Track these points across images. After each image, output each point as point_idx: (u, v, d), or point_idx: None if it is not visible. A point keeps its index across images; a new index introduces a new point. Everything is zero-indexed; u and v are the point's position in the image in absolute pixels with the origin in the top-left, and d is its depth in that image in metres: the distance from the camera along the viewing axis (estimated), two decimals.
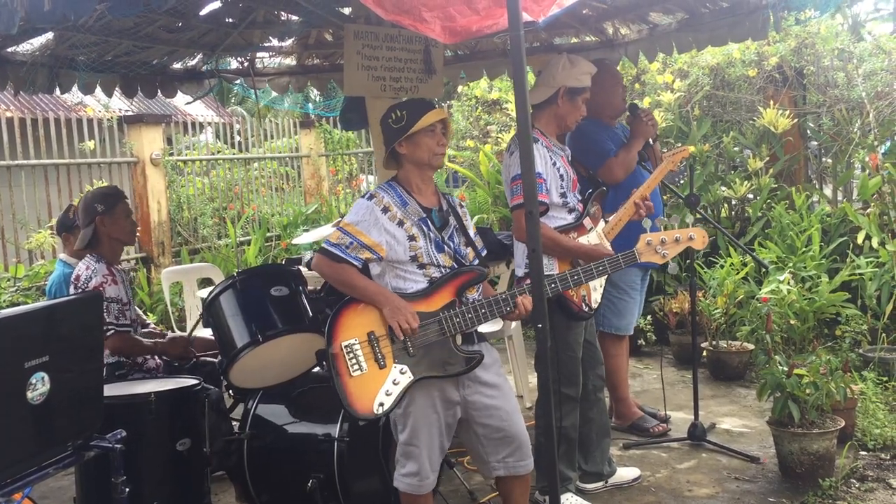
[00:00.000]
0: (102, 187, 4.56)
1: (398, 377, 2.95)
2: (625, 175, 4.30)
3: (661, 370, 5.19)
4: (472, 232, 3.21)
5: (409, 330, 2.91)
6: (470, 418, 3.10)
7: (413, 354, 2.95)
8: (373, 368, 2.95)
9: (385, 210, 3.03)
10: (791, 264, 5.73)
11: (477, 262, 3.16)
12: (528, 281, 3.09)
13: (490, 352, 3.16)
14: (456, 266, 3.07)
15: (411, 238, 3.01)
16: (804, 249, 5.88)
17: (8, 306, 6.05)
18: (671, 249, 3.35)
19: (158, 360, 4.09)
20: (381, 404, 2.93)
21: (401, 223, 3.02)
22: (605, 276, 3.79)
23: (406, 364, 2.95)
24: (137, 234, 7.59)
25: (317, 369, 3.82)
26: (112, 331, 3.79)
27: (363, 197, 3.11)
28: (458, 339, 3.02)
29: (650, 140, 4.41)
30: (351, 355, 2.94)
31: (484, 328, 5.23)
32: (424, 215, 3.07)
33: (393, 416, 3.09)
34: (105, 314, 3.76)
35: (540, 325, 2.62)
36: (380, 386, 2.93)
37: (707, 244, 3.47)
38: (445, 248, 3.06)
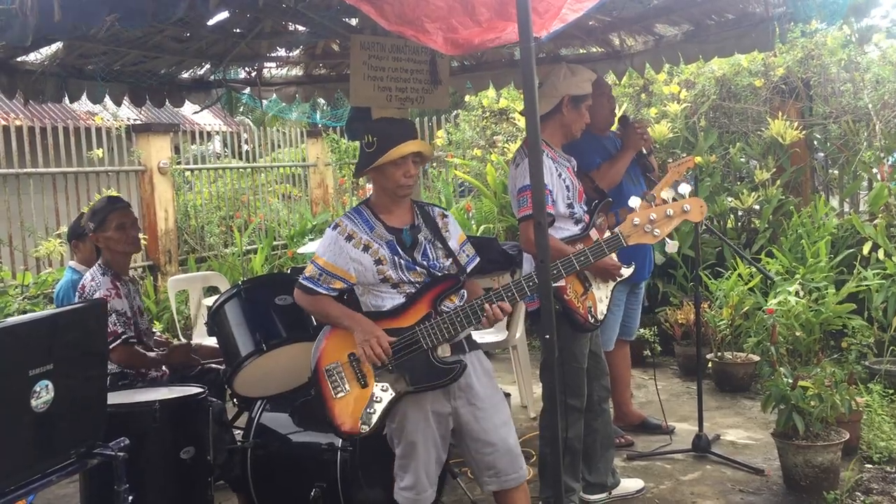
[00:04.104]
0: (95, 202, 4.60)
1: (380, 395, 2.98)
2: (608, 187, 4.26)
3: (655, 381, 5.19)
4: (455, 242, 3.17)
5: (374, 355, 2.93)
6: (460, 429, 3.10)
7: (393, 371, 2.98)
8: (355, 388, 3.00)
9: (349, 238, 3.06)
10: (800, 275, 5.72)
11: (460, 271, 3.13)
12: (498, 287, 3.06)
13: (482, 361, 3.16)
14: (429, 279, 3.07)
15: (378, 262, 3.03)
16: (814, 260, 5.86)
17: (16, 314, 6.08)
18: (663, 226, 3.06)
19: (164, 370, 4.11)
20: (366, 423, 2.98)
21: (366, 248, 3.04)
22: (611, 289, 3.80)
23: (387, 381, 2.99)
24: (144, 241, 7.67)
25: None
26: (117, 342, 3.81)
27: (329, 227, 3.16)
28: (440, 351, 3.01)
29: (644, 151, 4.41)
30: (333, 378, 3.02)
31: (487, 338, 5.28)
32: (392, 237, 3.07)
33: (389, 432, 3.12)
34: (109, 326, 3.78)
35: (548, 336, 2.61)
36: (363, 405, 2.99)
37: (705, 215, 3.13)
38: (417, 267, 3.05)
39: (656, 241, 3.11)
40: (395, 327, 3.00)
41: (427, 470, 3.07)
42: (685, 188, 3.12)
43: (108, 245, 4.01)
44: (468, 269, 3.18)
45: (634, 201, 3.16)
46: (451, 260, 3.12)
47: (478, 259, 3.25)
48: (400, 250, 3.06)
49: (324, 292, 3.06)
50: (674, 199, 3.12)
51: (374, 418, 2.97)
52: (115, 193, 7.76)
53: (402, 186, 3.06)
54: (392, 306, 3.04)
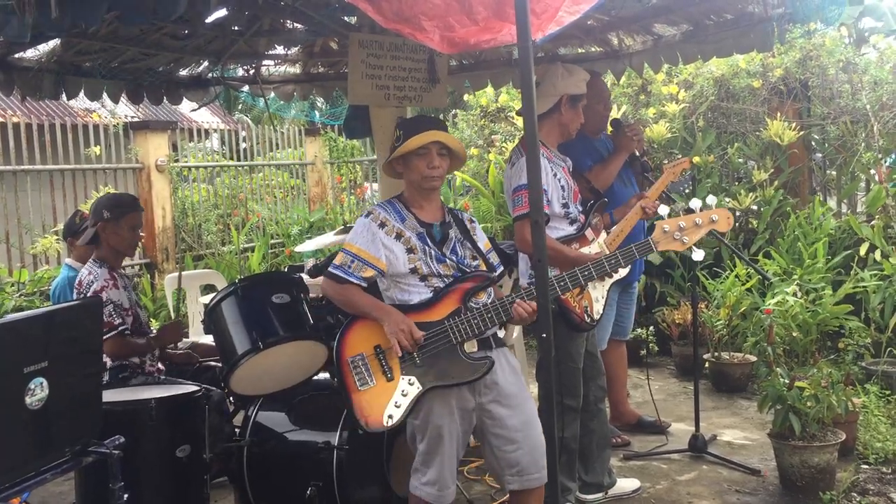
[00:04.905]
0: (119, 194, 4.58)
1: (407, 388, 2.94)
2: (600, 189, 4.24)
3: (648, 380, 5.20)
4: (483, 246, 3.19)
5: (407, 345, 2.90)
6: (484, 426, 3.07)
7: (420, 365, 2.95)
8: (381, 381, 2.96)
9: (382, 225, 3.06)
10: (797, 276, 5.73)
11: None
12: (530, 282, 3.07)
13: (509, 358, 3.14)
14: (459, 274, 3.07)
15: (409, 250, 3.02)
16: (811, 261, 5.87)
17: (12, 311, 6.07)
18: (692, 235, 3.16)
19: (160, 365, 4.10)
20: (391, 416, 2.93)
21: (398, 236, 3.04)
22: (609, 288, 3.80)
23: (414, 375, 2.95)
24: (141, 243, 7.65)
25: (317, 377, 3.83)
26: (112, 333, 3.80)
27: (362, 215, 3.15)
28: (468, 347, 3.00)
29: (636, 153, 4.42)
30: (357, 370, 2.96)
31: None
32: (423, 230, 3.08)
33: (411, 428, 3.07)
34: (104, 317, 3.77)
35: (544, 335, 2.59)
36: (389, 398, 2.94)
37: (731, 226, 3.26)
38: (447, 260, 3.06)
39: (684, 248, 3.18)
40: (423, 321, 2.97)
41: (450, 466, 3.04)
42: (712, 199, 3.25)
43: (111, 239, 3.99)
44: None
45: (664, 209, 3.31)
46: (478, 261, 3.13)
47: (503, 267, 3.25)
48: (430, 242, 3.06)
49: (355, 281, 3.02)
50: (702, 209, 3.20)
51: (400, 412, 2.93)
52: (112, 190, 7.75)
53: (426, 178, 3.06)
54: (420, 300, 3.02)
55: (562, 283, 3.12)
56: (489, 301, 3.07)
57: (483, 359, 3.00)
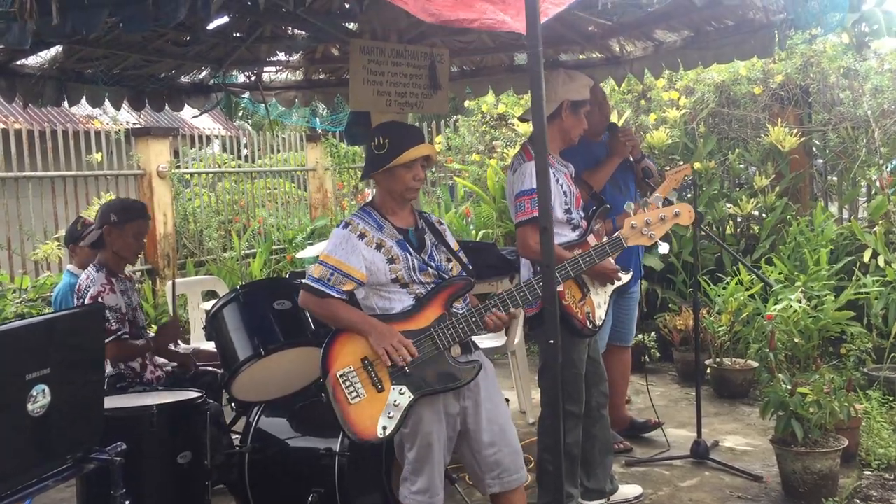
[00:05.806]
0: (129, 200, 4.57)
1: (398, 398, 2.94)
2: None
3: (647, 385, 5.19)
4: (454, 246, 3.22)
5: (398, 357, 2.90)
6: (466, 430, 3.09)
7: (410, 374, 2.95)
8: (371, 393, 2.95)
9: (362, 236, 3.04)
10: (801, 282, 5.72)
11: (463, 273, 3.16)
12: (501, 291, 3.10)
13: (485, 361, 3.16)
14: (440, 281, 3.07)
15: (391, 260, 3.02)
16: (815, 268, 5.87)
17: (14, 318, 6.06)
18: (658, 229, 3.34)
19: (159, 372, 4.10)
20: (385, 427, 2.93)
21: (379, 246, 3.03)
22: (611, 294, 3.80)
23: (404, 384, 2.95)
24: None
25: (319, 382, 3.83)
26: (110, 339, 3.79)
27: (338, 226, 3.12)
28: (454, 351, 3.02)
29: (631, 158, 4.42)
30: (347, 383, 2.95)
31: (486, 343, 5.27)
32: (401, 237, 3.08)
33: (399, 437, 3.06)
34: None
35: (551, 341, 2.59)
36: (380, 409, 2.94)
37: (692, 220, 3.45)
38: (428, 268, 3.07)
39: (651, 242, 3.35)
40: (408, 329, 2.97)
41: (439, 472, 3.05)
42: (674, 195, 3.33)
43: (114, 244, 4.00)
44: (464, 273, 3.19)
45: (629, 206, 3.40)
46: (452, 263, 3.15)
47: (469, 267, 3.27)
48: (411, 250, 3.06)
49: (336, 295, 2.99)
50: (665, 204, 3.37)
51: (394, 423, 2.93)
52: (113, 196, 7.75)
53: (410, 189, 3.08)
54: (402, 308, 3.03)
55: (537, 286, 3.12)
56: (467, 307, 3.10)
57: (471, 363, 3.02)
